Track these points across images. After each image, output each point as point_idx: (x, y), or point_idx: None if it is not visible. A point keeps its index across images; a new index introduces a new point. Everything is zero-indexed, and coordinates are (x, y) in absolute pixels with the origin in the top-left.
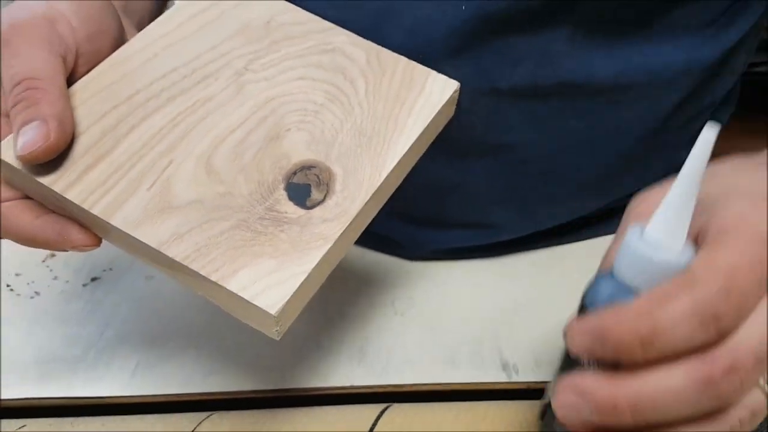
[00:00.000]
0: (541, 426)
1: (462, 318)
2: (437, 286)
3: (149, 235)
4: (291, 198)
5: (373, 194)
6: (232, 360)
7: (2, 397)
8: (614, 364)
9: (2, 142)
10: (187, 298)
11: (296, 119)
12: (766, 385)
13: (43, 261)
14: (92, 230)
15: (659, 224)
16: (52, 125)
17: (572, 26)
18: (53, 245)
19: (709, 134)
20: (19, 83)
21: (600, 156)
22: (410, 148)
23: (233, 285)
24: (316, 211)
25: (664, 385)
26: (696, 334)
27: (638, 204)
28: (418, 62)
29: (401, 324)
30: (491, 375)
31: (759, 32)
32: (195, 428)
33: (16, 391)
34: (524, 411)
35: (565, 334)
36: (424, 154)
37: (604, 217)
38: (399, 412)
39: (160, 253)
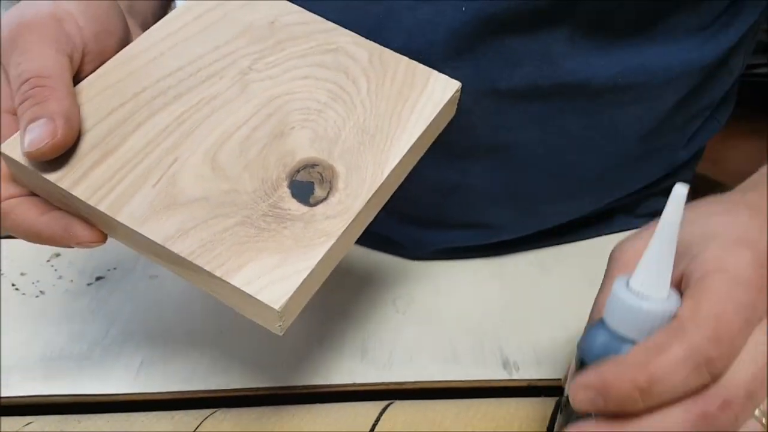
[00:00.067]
0: None
1: (462, 316)
2: (438, 285)
3: (155, 231)
4: (294, 195)
5: (376, 192)
6: (235, 358)
7: (8, 395)
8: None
9: (9, 139)
10: (190, 297)
11: (300, 117)
12: (763, 416)
13: (48, 260)
14: (98, 227)
15: (643, 276)
16: (59, 122)
17: (572, 27)
18: (59, 241)
19: (680, 191)
20: (26, 81)
21: (599, 156)
22: (412, 147)
23: (237, 280)
24: (320, 208)
25: (664, 424)
26: (691, 379)
27: (621, 254)
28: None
29: (402, 322)
30: (492, 372)
31: (757, 33)
32: (199, 425)
33: (21, 388)
34: (525, 408)
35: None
36: (424, 154)
37: (603, 217)
38: (401, 409)
39: (166, 248)
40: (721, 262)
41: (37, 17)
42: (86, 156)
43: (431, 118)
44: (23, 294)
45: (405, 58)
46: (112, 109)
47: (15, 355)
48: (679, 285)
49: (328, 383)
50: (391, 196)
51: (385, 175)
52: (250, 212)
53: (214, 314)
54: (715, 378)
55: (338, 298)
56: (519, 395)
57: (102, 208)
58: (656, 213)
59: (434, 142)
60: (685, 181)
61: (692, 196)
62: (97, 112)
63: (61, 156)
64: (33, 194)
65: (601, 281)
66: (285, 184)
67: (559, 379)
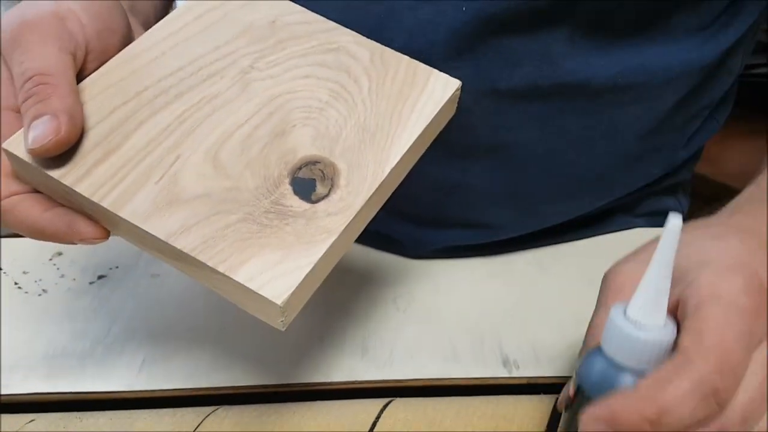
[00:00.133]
0: None
1: (462, 314)
2: (438, 284)
3: (158, 228)
4: (296, 192)
5: (377, 189)
6: (236, 355)
7: (11, 393)
8: None
9: (12, 136)
10: (192, 296)
11: (301, 116)
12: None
13: (50, 259)
14: (101, 223)
15: (640, 305)
16: (62, 119)
17: (572, 27)
18: (62, 238)
19: (675, 223)
20: (30, 79)
21: (599, 156)
22: (413, 145)
23: (240, 276)
24: (321, 205)
25: None
26: (699, 410)
27: (614, 277)
28: None
29: (403, 320)
30: (492, 371)
31: (756, 34)
32: (201, 422)
33: (24, 386)
34: (524, 406)
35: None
36: (425, 154)
37: (603, 216)
38: (401, 407)
39: (168, 244)
40: (716, 290)
41: (39, 15)
42: (89, 153)
43: (431, 117)
44: (26, 292)
45: (406, 58)
46: (114, 107)
47: (17, 353)
48: (675, 309)
49: (329, 381)
50: (392, 195)
51: (386, 172)
52: (252, 209)
53: (216, 312)
54: (722, 407)
55: (339, 297)
56: (518, 393)
57: (105, 204)
58: (655, 212)
59: (434, 141)
60: (683, 180)
61: (692, 196)
62: (100, 111)
63: (64, 153)
64: (36, 191)
65: (600, 280)
66: (287, 181)
67: (559, 377)
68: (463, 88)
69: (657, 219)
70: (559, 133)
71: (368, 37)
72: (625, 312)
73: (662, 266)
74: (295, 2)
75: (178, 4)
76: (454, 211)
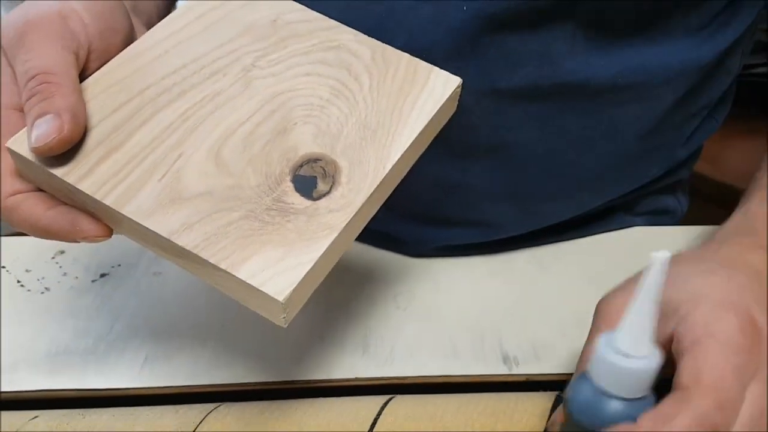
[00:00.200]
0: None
1: (462, 312)
2: (438, 282)
3: (160, 225)
4: (298, 189)
5: (378, 186)
6: (238, 353)
7: (15, 389)
8: None
9: (16, 135)
10: (194, 293)
11: (303, 113)
12: None
13: (53, 257)
14: (104, 221)
15: (626, 335)
16: (65, 118)
17: (572, 28)
18: (65, 236)
19: (662, 258)
20: (33, 78)
21: (599, 155)
22: (413, 142)
23: (242, 273)
24: (323, 202)
25: None
26: None
27: (606, 307)
28: None
29: (403, 318)
30: (492, 368)
31: (754, 33)
32: (203, 419)
33: (28, 383)
34: (524, 402)
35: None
36: (425, 153)
37: (603, 215)
38: (402, 403)
39: (171, 242)
40: (711, 328)
41: (42, 15)
42: (92, 152)
43: (432, 114)
44: (28, 291)
45: (406, 55)
46: (117, 105)
47: (21, 350)
48: (669, 343)
49: (330, 378)
50: (392, 194)
51: (387, 169)
52: (253, 206)
53: (218, 310)
54: None
55: (340, 295)
56: (518, 390)
57: (108, 202)
58: (655, 211)
59: (435, 140)
60: (683, 179)
61: (691, 195)
62: (103, 109)
63: (67, 152)
64: (39, 190)
65: (599, 279)
66: (288, 178)
67: (558, 374)
68: (463, 88)
69: (656, 218)
70: (558, 133)
71: (369, 35)
72: (611, 341)
73: (647, 298)
74: (297, 1)
75: (180, 4)
76: (454, 209)
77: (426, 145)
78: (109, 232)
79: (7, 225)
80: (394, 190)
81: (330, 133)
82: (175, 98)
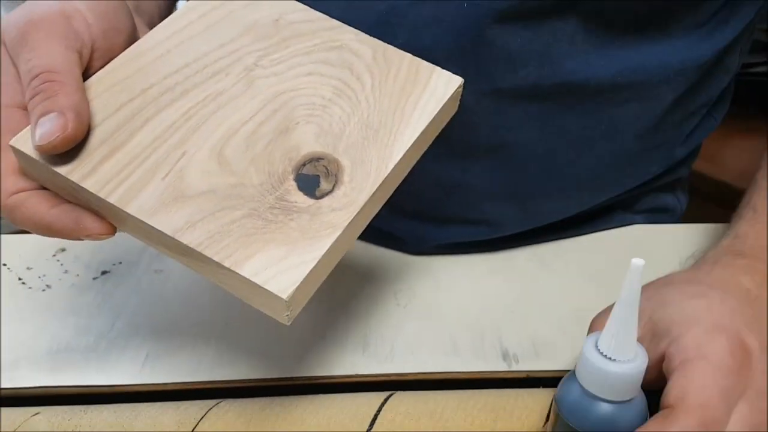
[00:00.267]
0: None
1: (462, 310)
2: (438, 279)
3: (164, 223)
4: (300, 188)
5: (380, 185)
6: (239, 351)
7: (17, 386)
8: None
9: (20, 133)
10: (195, 291)
11: (305, 113)
12: None
13: (54, 255)
14: (107, 219)
15: (609, 339)
16: (69, 116)
17: (572, 27)
18: (69, 234)
19: (637, 264)
20: (36, 76)
21: (598, 155)
22: (415, 141)
23: (246, 270)
24: (325, 200)
25: None
26: None
27: (597, 319)
28: None
29: (403, 315)
30: (492, 364)
31: (752, 32)
32: (204, 415)
33: (30, 379)
34: (524, 398)
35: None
36: (427, 152)
37: (602, 213)
38: (402, 399)
39: (175, 240)
40: (703, 350)
41: (46, 14)
42: (96, 150)
43: (434, 114)
44: (30, 288)
45: (408, 55)
46: (120, 104)
47: (22, 348)
48: (660, 362)
49: (331, 374)
50: (394, 192)
51: (390, 169)
52: (257, 205)
53: (219, 308)
54: None
55: (341, 293)
56: (518, 386)
57: (112, 200)
58: (654, 209)
59: (436, 140)
60: (682, 177)
61: (691, 194)
62: (106, 108)
63: (71, 150)
64: (43, 188)
65: (599, 276)
66: (291, 177)
67: (558, 371)
68: (464, 87)
69: (656, 215)
70: (559, 133)
71: (370, 35)
72: (596, 344)
73: (628, 303)
74: (299, 1)
75: (181, 4)
76: (455, 208)
77: (428, 145)
78: (113, 230)
79: (8, 223)
80: (396, 189)
81: (332, 132)
82: (177, 97)
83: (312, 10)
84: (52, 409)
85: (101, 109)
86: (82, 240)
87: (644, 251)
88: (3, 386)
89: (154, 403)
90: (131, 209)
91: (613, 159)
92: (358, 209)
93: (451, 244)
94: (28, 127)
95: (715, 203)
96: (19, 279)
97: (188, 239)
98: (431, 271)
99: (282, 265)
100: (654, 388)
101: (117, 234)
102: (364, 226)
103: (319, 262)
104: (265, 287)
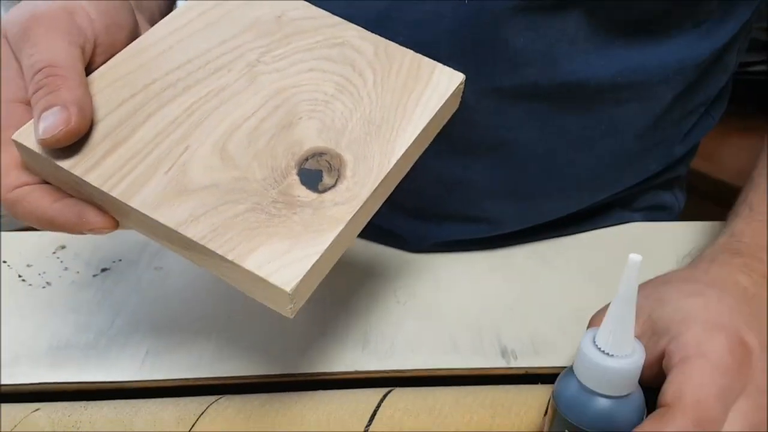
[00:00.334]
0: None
1: (462, 307)
2: (438, 277)
3: (167, 217)
4: (303, 182)
5: (383, 180)
6: (239, 346)
7: (17, 382)
8: None
9: (22, 128)
10: (195, 288)
11: (308, 108)
12: None
13: (54, 252)
14: (110, 213)
15: (606, 335)
16: (72, 110)
17: (573, 27)
18: (72, 228)
19: (634, 260)
20: (39, 71)
21: (598, 153)
22: (417, 137)
23: (249, 264)
24: (328, 195)
25: None
26: None
27: (595, 317)
28: None
29: (403, 312)
30: (491, 361)
31: (750, 31)
32: (204, 411)
33: (30, 376)
34: (522, 394)
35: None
36: (427, 150)
37: (601, 211)
38: (401, 395)
39: (178, 233)
40: (702, 348)
41: (49, 10)
42: (98, 145)
43: (436, 110)
44: (30, 285)
45: (410, 51)
46: (122, 100)
47: (22, 345)
48: (660, 360)
49: (331, 371)
50: (395, 190)
51: (392, 164)
52: (260, 199)
53: (218, 305)
54: None
55: (341, 290)
56: (517, 382)
57: (115, 194)
58: (653, 207)
59: (437, 137)
60: (680, 175)
61: (689, 192)
62: (108, 103)
63: (73, 144)
64: (45, 182)
65: (598, 273)
66: (294, 171)
67: (557, 367)
68: (465, 86)
69: (654, 213)
70: (558, 133)
71: (372, 31)
72: (594, 340)
73: (625, 298)
74: None
75: (180, 3)
76: (455, 206)
77: (429, 141)
78: (116, 224)
79: (9, 221)
80: (397, 186)
81: (334, 127)
82: (180, 93)
83: (314, 7)
84: (52, 405)
85: (104, 104)
86: (85, 234)
87: (642, 249)
88: (3, 382)
89: (154, 400)
90: (134, 203)
91: (612, 158)
92: (360, 203)
93: (451, 241)
94: (31, 122)
95: (712, 201)
96: (19, 276)
97: (191, 233)
98: (431, 269)
99: (285, 258)
100: (655, 385)
101: (117, 231)
102: (366, 222)
103: (322, 255)
104: (269, 280)
